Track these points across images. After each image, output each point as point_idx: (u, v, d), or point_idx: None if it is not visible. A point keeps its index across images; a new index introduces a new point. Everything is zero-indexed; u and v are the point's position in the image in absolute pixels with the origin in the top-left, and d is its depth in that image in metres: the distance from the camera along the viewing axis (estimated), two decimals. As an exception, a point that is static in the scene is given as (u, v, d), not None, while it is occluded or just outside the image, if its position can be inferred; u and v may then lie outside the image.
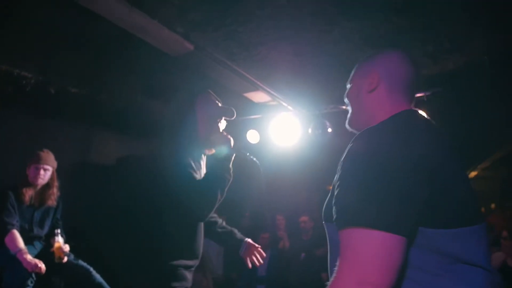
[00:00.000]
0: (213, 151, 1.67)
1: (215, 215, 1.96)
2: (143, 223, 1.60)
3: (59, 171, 2.87)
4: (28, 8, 2.40)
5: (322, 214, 1.05)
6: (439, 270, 0.84)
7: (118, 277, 1.77)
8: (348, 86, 1.18)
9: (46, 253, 2.68)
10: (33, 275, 2.52)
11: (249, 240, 1.97)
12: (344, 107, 1.35)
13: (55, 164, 2.80)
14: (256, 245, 1.97)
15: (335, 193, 0.90)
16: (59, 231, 2.71)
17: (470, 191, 0.92)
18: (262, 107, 4.35)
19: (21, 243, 2.50)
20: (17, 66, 2.96)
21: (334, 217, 0.88)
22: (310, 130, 4.09)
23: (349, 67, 1.34)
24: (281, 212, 5.20)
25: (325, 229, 1.05)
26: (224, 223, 2.00)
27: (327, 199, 1.03)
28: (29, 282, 2.48)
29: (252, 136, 4.45)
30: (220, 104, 1.77)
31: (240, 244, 1.94)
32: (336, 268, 0.83)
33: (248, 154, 1.74)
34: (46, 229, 2.77)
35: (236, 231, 1.99)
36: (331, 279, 0.84)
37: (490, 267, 0.87)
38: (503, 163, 8.68)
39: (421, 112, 1.03)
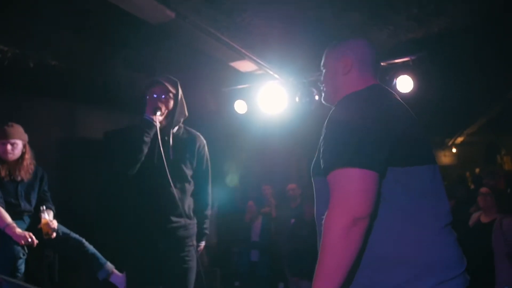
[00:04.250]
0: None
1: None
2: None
3: (43, 148, 2.82)
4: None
5: (311, 171, 1.26)
6: (396, 210, 1.08)
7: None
8: (323, 70, 1.40)
9: (37, 227, 2.69)
10: (25, 248, 2.54)
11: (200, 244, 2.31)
12: (320, 84, 1.46)
13: (24, 136, 2.69)
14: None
15: (321, 150, 1.13)
16: (44, 207, 2.67)
17: (426, 139, 1.20)
18: (248, 77, 4.31)
19: (8, 218, 2.48)
20: (-8, 39, 2.86)
21: (322, 167, 1.10)
22: (297, 98, 4.08)
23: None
24: (270, 181, 5.27)
25: (313, 184, 1.26)
26: (206, 214, 2.34)
27: (315, 157, 1.24)
28: (21, 255, 2.51)
29: (239, 106, 4.44)
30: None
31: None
32: (329, 204, 1.04)
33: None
34: (33, 202, 2.75)
35: (204, 229, 2.31)
36: (325, 215, 1.04)
37: (441, 198, 1.14)
38: (488, 128, 8.81)
39: (383, 86, 1.31)
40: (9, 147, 2.60)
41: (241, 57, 3.69)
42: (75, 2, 2.58)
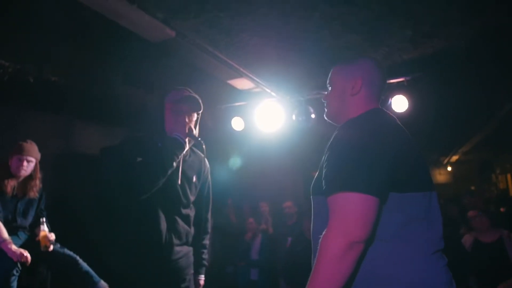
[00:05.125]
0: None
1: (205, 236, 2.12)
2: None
3: (40, 162, 2.83)
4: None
5: (311, 189, 1.29)
6: (390, 235, 1.10)
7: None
8: (329, 87, 1.40)
9: (31, 243, 2.67)
10: (19, 265, 2.51)
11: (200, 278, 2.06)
12: (324, 99, 1.42)
13: (38, 155, 2.74)
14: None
15: (324, 171, 1.16)
16: (44, 219, 2.70)
17: (425, 166, 1.22)
18: (246, 94, 4.36)
19: (4, 233, 2.48)
20: (-7, 54, 2.88)
21: (324, 188, 1.13)
22: (293, 117, 4.12)
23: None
24: (266, 199, 5.26)
25: (312, 202, 1.29)
26: (205, 244, 2.12)
27: (315, 176, 1.28)
28: (14, 272, 2.48)
29: (236, 123, 4.47)
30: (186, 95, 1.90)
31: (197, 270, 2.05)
32: (327, 226, 1.07)
33: (199, 138, 1.89)
34: (30, 219, 2.75)
35: (203, 260, 2.09)
36: (323, 235, 1.06)
37: (435, 224, 1.16)
38: (482, 146, 8.90)
39: (385, 110, 1.33)
40: (25, 163, 2.64)
41: (239, 75, 3.74)
42: (75, 18, 2.63)
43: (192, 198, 1.97)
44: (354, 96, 1.31)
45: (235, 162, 5.43)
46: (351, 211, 1.03)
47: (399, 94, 3.64)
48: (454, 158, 11.22)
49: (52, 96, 3.36)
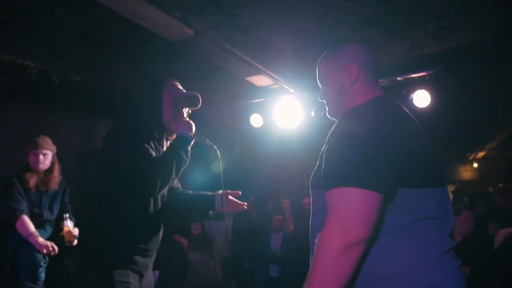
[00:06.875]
0: (174, 136, 1.75)
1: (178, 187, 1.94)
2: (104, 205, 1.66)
3: (63, 161, 2.92)
4: (28, -1, 2.44)
5: (310, 181, 1.19)
6: (398, 230, 1.01)
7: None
8: (323, 85, 1.28)
9: (58, 236, 2.77)
10: (46, 257, 2.62)
11: (222, 191, 1.86)
12: (320, 99, 1.37)
13: (53, 148, 2.83)
14: (233, 192, 1.89)
15: (324, 162, 1.06)
16: (67, 215, 2.78)
17: (435, 160, 1.10)
18: (264, 91, 4.36)
19: (31, 227, 2.58)
20: (20, 55, 3.00)
21: (322, 182, 1.03)
22: (312, 113, 4.11)
23: None
24: (287, 195, 5.26)
25: (311, 194, 1.19)
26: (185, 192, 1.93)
27: (315, 168, 1.17)
28: (42, 263, 2.59)
29: (255, 120, 4.49)
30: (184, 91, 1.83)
31: (212, 202, 1.84)
32: (324, 223, 0.98)
33: (208, 140, 1.78)
34: (55, 213, 2.84)
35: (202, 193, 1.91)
36: (321, 232, 0.98)
37: (446, 222, 1.07)
38: (509, 143, 8.60)
39: (390, 97, 1.20)
40: (41, 157, 2.73)
41: (257, 72, 3.75)
42: (96, 19, 2.70)
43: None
44: (354, 84, 1.20)
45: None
46: (351, 208, 0.93)
47: (421, 88, 3.56)
48: (481, 154, 10.89)
49: (76, 96, 3.47)
